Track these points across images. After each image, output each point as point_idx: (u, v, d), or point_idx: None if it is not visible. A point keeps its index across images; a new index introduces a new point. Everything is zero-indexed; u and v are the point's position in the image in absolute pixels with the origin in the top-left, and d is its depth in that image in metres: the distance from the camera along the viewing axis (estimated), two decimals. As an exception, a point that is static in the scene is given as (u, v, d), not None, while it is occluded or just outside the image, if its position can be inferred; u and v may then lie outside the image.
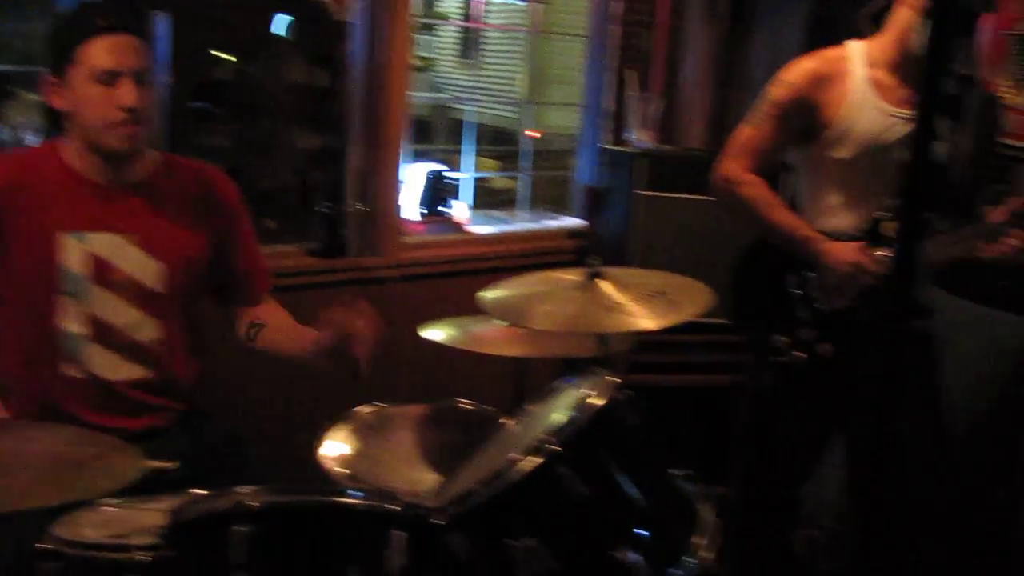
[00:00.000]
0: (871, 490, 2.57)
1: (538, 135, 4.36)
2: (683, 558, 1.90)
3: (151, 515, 1.82)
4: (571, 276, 2.33)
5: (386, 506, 1.73)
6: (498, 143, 9.89)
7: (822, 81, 2.48)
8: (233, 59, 5.28)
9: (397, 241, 3.54)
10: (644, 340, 3.09)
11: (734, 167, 2.56)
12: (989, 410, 3.16)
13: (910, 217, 0.99)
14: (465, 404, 2.80)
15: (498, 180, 8.52)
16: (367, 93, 3.41)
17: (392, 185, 3.50)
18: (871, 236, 2.47)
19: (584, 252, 3.75)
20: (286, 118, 4.97)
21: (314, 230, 3.46)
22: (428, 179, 4.84)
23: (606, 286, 2.28)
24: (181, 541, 1.66)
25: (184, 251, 2.37)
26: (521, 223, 4.40)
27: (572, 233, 4.01)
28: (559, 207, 4.62)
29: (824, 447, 2.65)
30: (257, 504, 1.59)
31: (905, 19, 2.44)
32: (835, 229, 2.49)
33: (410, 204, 4.63)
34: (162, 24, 2.95)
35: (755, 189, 2.53)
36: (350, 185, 3.46)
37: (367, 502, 1.74)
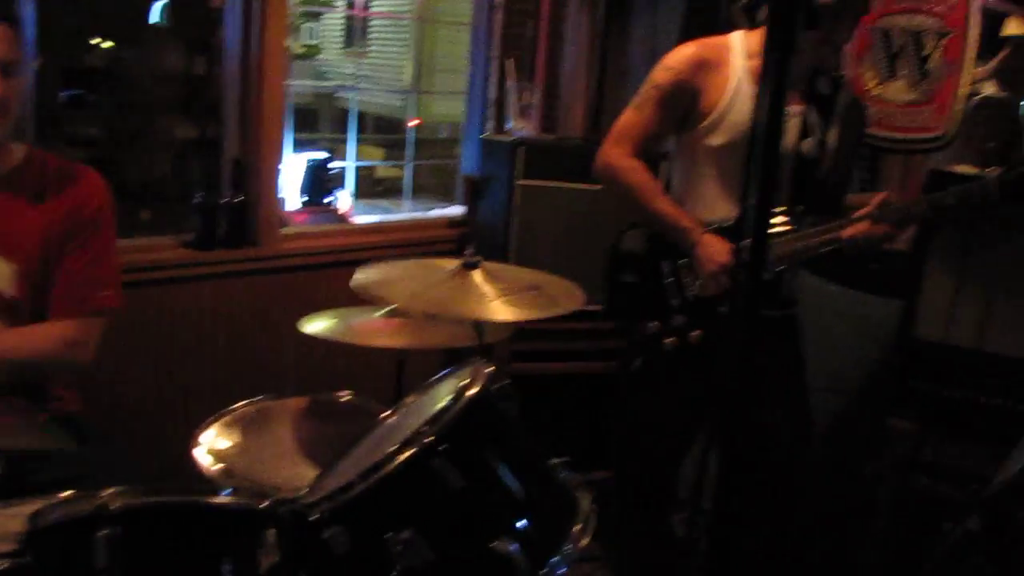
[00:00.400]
0: (736, 472, 2.65)
1: (417, 123, 4.34)
2: (562, 546, 1.92)
3: (13, 520, 1.76)
4: (447, 264, 2.34)
5: (257, 504, 1.70)
6: (385, 132, 9.85)
7: (704, 67, 2.51)
8: (109, 44, 5.13)
9: (276, 232, 3.48)
10: (524, 329, 3.11)
11: (616, 152, 2.57)
12: (859, 389, 3.27)
13: (761, 208, 1.01)
14: (345, 396, 2.78)
15: (384, 169, 8.49)
16: (243, 81, 3.34)
17: (271, 175, 3.43)
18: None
19: (465, 241, 3.75)
20: (162, 107, 4.85)
21: (191, 221, 3.38)
22: (309, 168, 4.78)
23: (480, 277, 2.29)
24: (42, 547, 1.60)
25: (40, 254, 2.25)
26: (406, 212, 4.39)
27: (453, 222, 4.00)
28: (446, 196, 4.61)
29: (698, 430, 2.70)
30: (119, 506, 1.54)
31: None
32: (711, 218, 2.52)
33: (292, 194, 4.55)
34: (28, 6, 2.84)
35: (636, 175, 2.55)
36: (227, 175, 3.39)
37: (236, 500, 1.71)
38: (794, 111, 2.50)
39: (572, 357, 3.57)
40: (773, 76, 0.99)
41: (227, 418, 2.64)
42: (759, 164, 1.02)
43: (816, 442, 2.77)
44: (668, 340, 2.51)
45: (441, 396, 1.98)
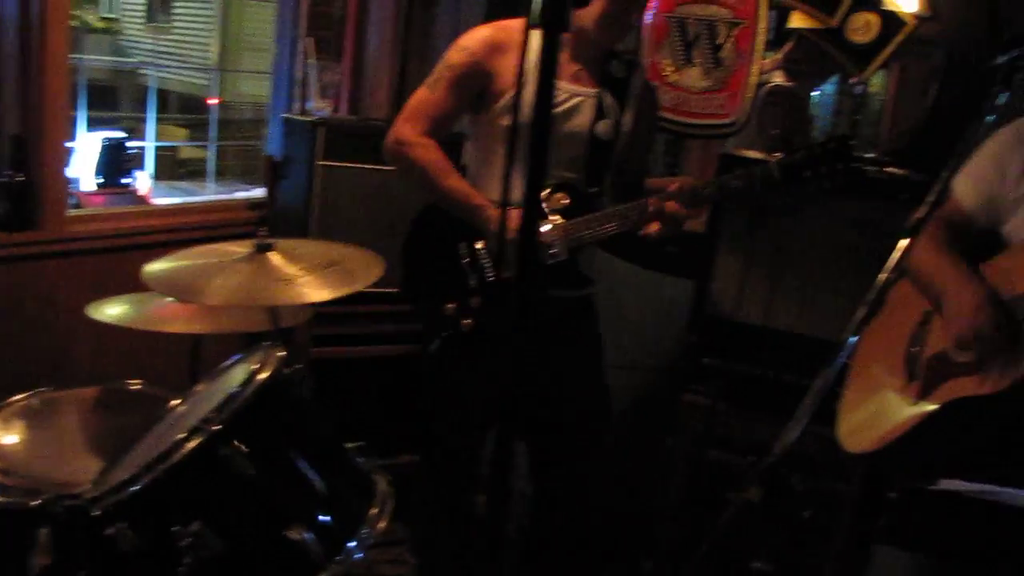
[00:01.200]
0: (542, 450, 2.70)
1: (217, 102, 4.21)
2: (359, 531, 1.91)
3: None
4: (240, 248, 2.27)
5: (27, 502, 1.60)
6: (189, 112, 9.50)
7: (498, 49, 2.50)
8: None
9: (62, 214, 3.29)
10: (323, 312, 3.06)
11: (407, 129, 2.54)
12: (657, 367, 3.37)
13: (531, 187, 1.01)
14: (135, 385, 2.67)
15: (189, 150, 8.19)
16: (22, 53, 3.13)
17: (56, 153, 3.24)
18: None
19: (265, 224, 3.66)
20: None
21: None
22: (105, 148, 4.55)
23: (276, 258, 2.23)
24: None
25: None
26: (209, 194, 4.24)
27: (254, 204, 3.88)
28: (253, 178, 4.47)
29: (499, 408, 2.71)
30: None
31: None
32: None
33: (87, 174, 4.35)
34: None
35: (427, 152, 2.52)
36: (5, 153, 3.18)
37: (3, 499, 1.61)
38: (588, 93, 2.53)
39: (373, 340, 3.52)
40: (543, 56, 1.00)
41: (7, 411, 2.49)
42: (531, 143, 1.03)
43: (616, 419, 2.83)
44: (465, 322, 2.50)
45: (231, 383, 1.93)
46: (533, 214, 1.05)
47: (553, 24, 0.99)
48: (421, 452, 2.89)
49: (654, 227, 2.47)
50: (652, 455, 3.12)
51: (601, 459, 2.74)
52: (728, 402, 2.87)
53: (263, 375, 1.85)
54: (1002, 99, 1.74)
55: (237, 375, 1.97)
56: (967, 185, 2.17)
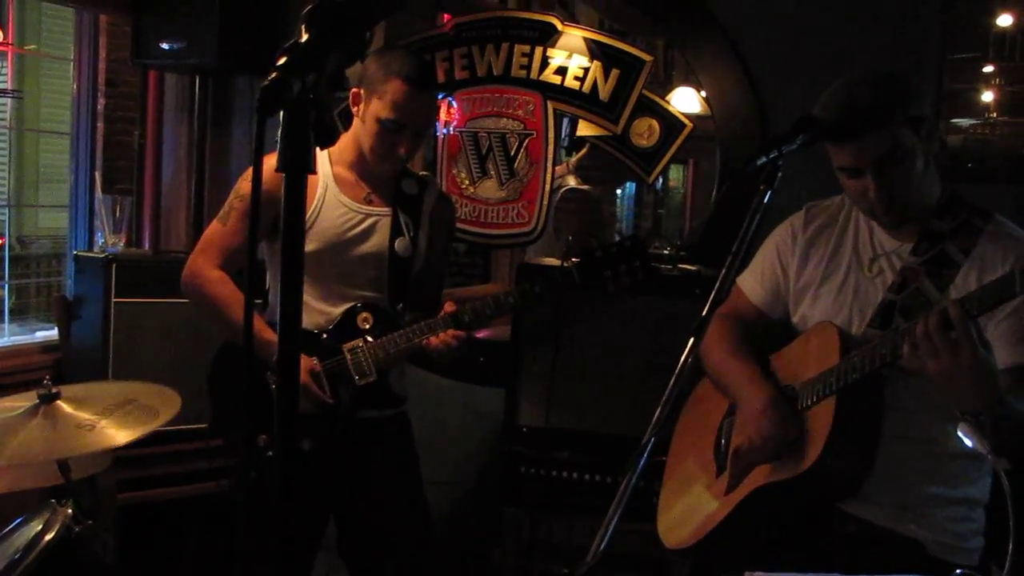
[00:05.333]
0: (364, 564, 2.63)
1: (1, 243, 4.03)
2: None
3: None
4: (22, 402, 2.14)
5: None
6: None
7: None
8: None
9: None
10: (127, 456, 2.92)
11: (200, 263, 2.51)
12: (477, 478, 3.35)
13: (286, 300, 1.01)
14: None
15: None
16: None
17: None
18: (346, 328, 2.51)
19: (62, 368, 3.47)
20: None
21: None
22: None
23: (66, 406, 2.12)
24: None
25: None
26: (6, 336, 4.00)
27: (48, 347, 3.68)
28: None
29: (320, 534, 2.64)
30: None
31: (358, 124, 2.54)
32: (308, 325, 2.50)
33: None
34: None
35: (220, 287, 2.50)
36: None
37: None
38: (381, 212, 2.55)
39: (184, 480, 3.37)
40: (287, 199, 1.02)
41: None
42: (286, 268, 1.05)
43: (442, 534, 2.78)
44: (278, 451, 2.43)
45: (11, 549, 1.80)
46: (292, 347, 1.04)
47: (295, 168, 1.00)
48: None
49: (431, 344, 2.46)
50: (480, 569, 3.08)
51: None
52: (548, 509, 2.87)
53: (47, 538, 1.73)
54: (767, 197, 1.82)
55: (18, 541, 1.83)
56: (753, 282, 2.26)
